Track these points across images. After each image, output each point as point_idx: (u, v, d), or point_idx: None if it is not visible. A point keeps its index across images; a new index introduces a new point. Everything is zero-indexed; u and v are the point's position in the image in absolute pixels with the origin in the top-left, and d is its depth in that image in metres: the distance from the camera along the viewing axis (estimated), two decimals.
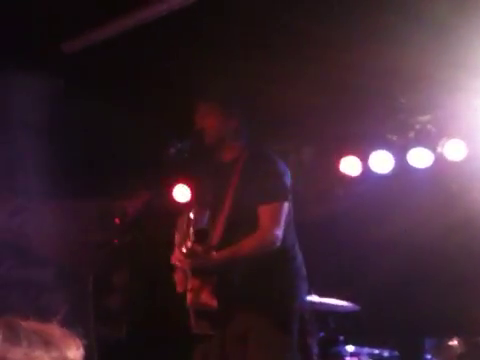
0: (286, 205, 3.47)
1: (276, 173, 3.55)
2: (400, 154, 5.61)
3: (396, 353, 5.10)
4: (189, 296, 3.47)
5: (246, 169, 3.56)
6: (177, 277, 3.56)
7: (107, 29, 4.77)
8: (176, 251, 3.44)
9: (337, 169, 5.83)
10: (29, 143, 5.56)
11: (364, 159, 5.75)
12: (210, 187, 3.71)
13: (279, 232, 3.40)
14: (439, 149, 5.46)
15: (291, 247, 3.57)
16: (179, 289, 3.56)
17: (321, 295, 4.90)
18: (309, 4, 4.29)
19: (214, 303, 3.39)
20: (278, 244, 3.41)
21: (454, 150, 5.40)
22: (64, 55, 5.00)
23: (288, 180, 3.58)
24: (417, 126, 5.54)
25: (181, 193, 5.40)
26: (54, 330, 1.30)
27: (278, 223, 3.40)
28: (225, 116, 3.66)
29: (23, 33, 4.67)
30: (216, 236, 3.45)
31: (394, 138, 5.65)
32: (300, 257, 3.60)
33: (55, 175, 5.56)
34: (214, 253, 3.31)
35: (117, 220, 3.66)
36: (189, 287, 3.47)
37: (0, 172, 5.87)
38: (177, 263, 3.45)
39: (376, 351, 5.12)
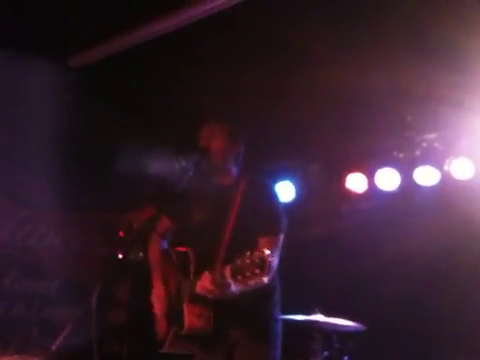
0: (282, 237, 3.65)
1: (275, 205, 3.70)
2: (406, 172, 5.60)
3: None
4: (187, 320, 3.48)
5: (246, 198, 3.64)
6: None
7: (112, 44, 4.80)
8: (205, 280, 3.38)
9: (343, 186, 5.82)
10: (37, 155, 5.58)
11: (370, 176, 5.74)
12: (202, 207, 3.71)
13: (276, 262, 3.59)
14: (446, 167, 5.44)
15: (276, 274, 3.74)
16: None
17: (326, 314, 4.86)
18: (316, 23, 4.32)
19: (211, 327, 3.48)
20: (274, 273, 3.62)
21: (461, 169, 5.38)
22: (71, 69, 5.02)
23: (284, 210, 3.75)
24: (424, 144, 5.54)
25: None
26: None
27: (276, 254, 3.58)
28: (232, 140, 3.71)
29: (33, 45, 4.71)
30: (219, 261, 3.49)
31: (401, 155, 5.63)
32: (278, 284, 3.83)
33: (62, 187, 5.57)
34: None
35: (121, 233, 3.65)
36: (186, 312, 3.49)
37: (7, 183, 5.89)
38: (204, 292, 3.38)
39: None
